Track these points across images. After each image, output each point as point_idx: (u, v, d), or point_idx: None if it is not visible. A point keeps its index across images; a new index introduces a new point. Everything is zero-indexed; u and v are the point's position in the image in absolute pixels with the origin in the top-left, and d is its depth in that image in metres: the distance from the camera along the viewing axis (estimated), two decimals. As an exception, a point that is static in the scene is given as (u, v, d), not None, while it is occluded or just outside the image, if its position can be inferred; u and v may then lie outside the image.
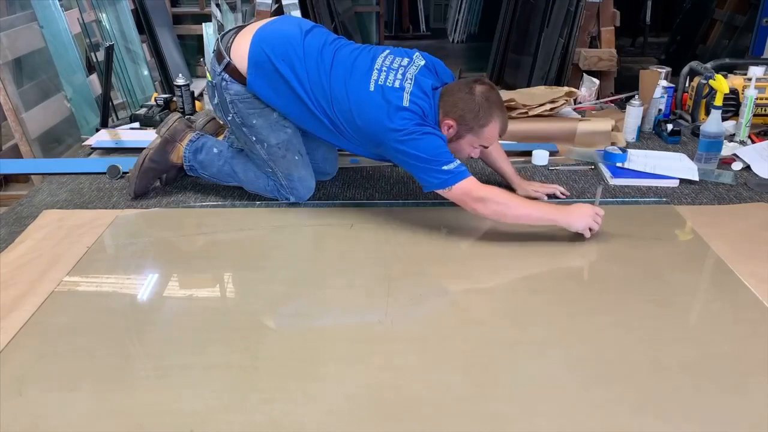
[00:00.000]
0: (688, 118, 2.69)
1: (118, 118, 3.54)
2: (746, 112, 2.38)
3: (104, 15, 3.93)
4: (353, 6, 5.06)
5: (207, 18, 4.84)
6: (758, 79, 2.51)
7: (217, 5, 4.70)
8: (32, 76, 3.16)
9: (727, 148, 2.33)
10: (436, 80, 1.74)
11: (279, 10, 3.94)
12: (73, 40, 3.44)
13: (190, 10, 4.98)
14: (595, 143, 2.39)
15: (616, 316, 1.41)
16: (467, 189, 1.64)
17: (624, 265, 1.61)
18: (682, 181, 2.10)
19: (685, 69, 2.77)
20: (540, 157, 2.27)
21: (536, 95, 2.54)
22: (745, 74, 2.64)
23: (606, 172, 2.17)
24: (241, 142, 1.92)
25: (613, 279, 1.56)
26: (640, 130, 2.55)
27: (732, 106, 2.55)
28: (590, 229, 1.68)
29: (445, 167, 1.62)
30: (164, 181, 2.07)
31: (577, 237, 1.70)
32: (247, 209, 1.95)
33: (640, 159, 2.23)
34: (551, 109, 2.47)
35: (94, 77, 3.62)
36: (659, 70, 2.72)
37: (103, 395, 1.18)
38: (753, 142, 2.40)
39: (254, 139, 1.84)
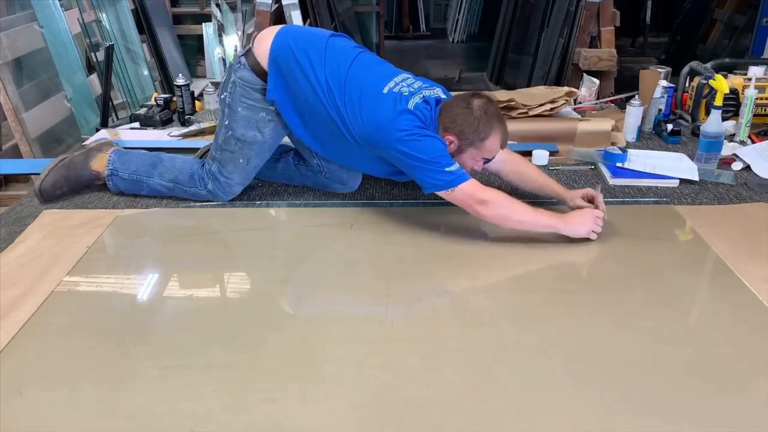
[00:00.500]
0: (688, 118, 2.69)
1: (118, 118, 3.55)
2: (746, 112, 2.38)
3: (104, 15, 3.93)
4: (353, 6, 5.06)
5: (207, 18, 4.85)
6: (758, 79, 2.51)
7: (217, 5, 4.71)
8: (32, 76, 3.16)
9: (727, 148, 2.32)
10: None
11: (279, 10, 3.94)
12: (73, 40, 3.45)
13: (190, 10, 4.98)
14: (595, 143, 2.39)
15: (616, 316, 1.41)
16: (470, 191, 1.65)
17: (624, 264, 1.61)
18: (682, 181, 2.10)
19: (685, 69, 2.77)
20: (540, 157, 2.27)
21: (536, 95, 2.54)
22: (745, 74, 2.64)
23: (606, 172, 2.17)
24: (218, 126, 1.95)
25: (613, 279, 1.56)
26: (640, 130, 2.55)
27: (732, 106, 2.55)
28: (593, 232, 1.69)
29: (447, 169, 1.63)
30: (70, 187, 2.01)
31: (577, 237, 1.70)
32: (248, 209, 1.95)
33: (640, 159, 2.23)
34: (551, 109, 2.47)
35: (94, 77, 3.62)
36: (659, 70, 2.71)
37: (103, 395, 1.18)
38: (753, 142, 2.40)
39: (227, 122, 1.87)
